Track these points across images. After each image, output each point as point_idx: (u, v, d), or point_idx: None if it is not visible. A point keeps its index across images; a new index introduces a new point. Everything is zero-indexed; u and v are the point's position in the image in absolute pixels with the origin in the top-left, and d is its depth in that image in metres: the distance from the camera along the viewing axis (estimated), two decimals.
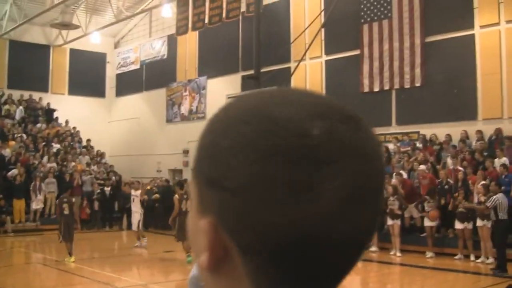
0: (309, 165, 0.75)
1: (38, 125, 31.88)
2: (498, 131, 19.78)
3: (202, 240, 0.81)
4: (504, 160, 18.22)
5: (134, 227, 21.30)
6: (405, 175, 19.99)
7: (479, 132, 20.19)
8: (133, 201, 21.43)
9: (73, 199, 19.42)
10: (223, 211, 0.79)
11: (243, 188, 0.76)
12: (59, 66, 35.17)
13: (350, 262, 0.81)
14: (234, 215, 0.78)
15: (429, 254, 17.79)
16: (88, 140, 32.59)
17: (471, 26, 20.91)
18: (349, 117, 0.80)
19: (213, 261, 0.81)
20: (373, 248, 18.92)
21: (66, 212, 17.26)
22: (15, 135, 29.54)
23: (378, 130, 22.89)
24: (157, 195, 26.56)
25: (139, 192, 21.57)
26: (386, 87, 22.89)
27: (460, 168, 18.90)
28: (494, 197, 15.61)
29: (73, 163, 28.98)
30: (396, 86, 22.64)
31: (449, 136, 20.72)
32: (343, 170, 0.76)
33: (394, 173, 19.84)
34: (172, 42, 31.92)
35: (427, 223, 18.28)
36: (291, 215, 0.74)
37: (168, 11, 29.97)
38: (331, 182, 0.75)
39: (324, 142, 0.76)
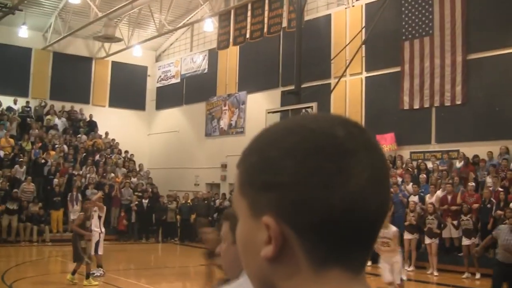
0: (340, 156, 1.00)
1: (79, 136, 32.26)
2: None
3: (261, 236, 1.02)
4: None
5: (92, 250, 16.53)
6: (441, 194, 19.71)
7: None
8: (92, 217, 16.72)
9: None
10: (281, 205, 1.00)
11: (296, 182, 0.99)
12: (101, 79, 35.61)
13: (377, 231, 1.04)
14: (292, 205, 0.99)
15: (465, 274, 17.44)
16: (126, 152, 32.87)
17: None
18: (356, 125, 1.06)
19: (277, 249, 1.00)
20: (411, 267, 18.71)
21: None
22: (56, 146, 29.90)
23: (417, 148, 22.69)
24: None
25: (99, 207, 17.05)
26: (426, 105, 22.59)
27: (500, 189, 18.59)
28: None
29: (112, 174, 29.23)
30: (437, 103, 22.33)
31: (490, 154, 20.36)
32: (363, 158, 1.01)
33: (435, 192, 19.61)
34: (213, 56, 32.07)
35: (465, 242, 17.99)
36: (334, 195, 0.98)
37: (210, 26, 30.15)
38: (357, 167, 1.00)
39: (347, 140, 1.02)
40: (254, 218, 1.04)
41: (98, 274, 16.48)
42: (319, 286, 1.00)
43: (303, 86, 22.84)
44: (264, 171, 1.02)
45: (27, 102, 32.72)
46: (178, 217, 27.35)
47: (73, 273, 15.38)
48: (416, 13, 23.30)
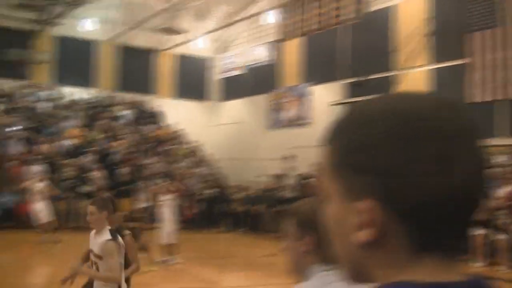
0: (442, 141, 0.98)
1: (146, 126, 32.83)
2: None
3: (357, 220, 1.01)
4: None
5: (166, 238, 17.05)
6: None
7: None
8: (167, 208, 17.24)
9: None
10: (381, 189, 0.99)
11: (398, 167, 0.97)
12: (165, 70, 36.14)
13: (473, 218, 1.03)
14: (392, 190, 0.98)
15: None
16: (192, 142, 33.28)
17: None
18: (455, 106, 1.03)
19: (376, 234, 1.00)
20: (480, 263, 18.53)
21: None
22: (124, 136, 30.51)
23: (490, 142, 22.27)
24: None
25: (170, 196, 17.60)
26: (498, 97, 22.04)
27: None
28: None
29: (178, 164, 29.68)
30: (511, 96, 21.69)
31: None
32: (464, 143, 1.00)
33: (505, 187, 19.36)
34: (276, 47, 32.13)
35: None
36: (436, 181, 0.97)
37: (273, 17, 30.22)
38: (459, 153, 0.98)
39: (447, 124, 0.99)
40: (348, 201, 1.03)
41: (173, 262, 16.91)
42: (416, 272, 0.99)
43: (367, 78, 22.80)
44: (362, 154, 1.00)
45: (95, 93, 33.45)
46: (243, 207, 27.56)
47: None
48: (483, 2, 22.90)
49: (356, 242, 1.02)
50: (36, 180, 21.08)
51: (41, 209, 20.23)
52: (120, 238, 6.44)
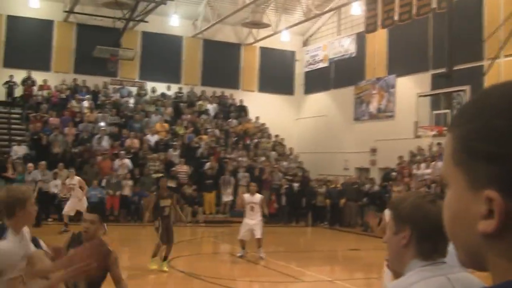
0: None
1: (230, 120, 33.06)
2: None
3: (478, 209, 0.97)
4: None
5: (258, 233, 16.82)
6: None
7: None
8: (252, 209, 17.06)
9: (175, 195, 15.84)
10: (506, 180, 0.93)
11: None
12: (250, 64, 36.33)
13: None
14: None
15: None
16: (276, 136, 33.32)
17: None
18: None
19: (500, 225, 0.94)
20: None
21: (166, 213, 14.53)
22: (208, 130, 30.82)
23: None
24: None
25: (258, 197, 17.45)
26: None
27: None
28: None
29: (262, 158, 29.77)
30: None
31: None
32: None
33: None
34: (361, 39, 31.73)
35: None
36: None
37: (357, 9, 29.89)
38: None
39: None
40: (470, 190, 0.99)
41: (263, 256, 16.87)
42: None
43: (454, 68, 22.20)
44: (488, 141, 0.95)
45: (180, 88, 33.96)
46: (327, 201, 27.37)
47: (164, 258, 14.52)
48: None
49: (477, 232, 0.98)
50: (70, 176, 21.30)
51: (69, 203, 20.45)
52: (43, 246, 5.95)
